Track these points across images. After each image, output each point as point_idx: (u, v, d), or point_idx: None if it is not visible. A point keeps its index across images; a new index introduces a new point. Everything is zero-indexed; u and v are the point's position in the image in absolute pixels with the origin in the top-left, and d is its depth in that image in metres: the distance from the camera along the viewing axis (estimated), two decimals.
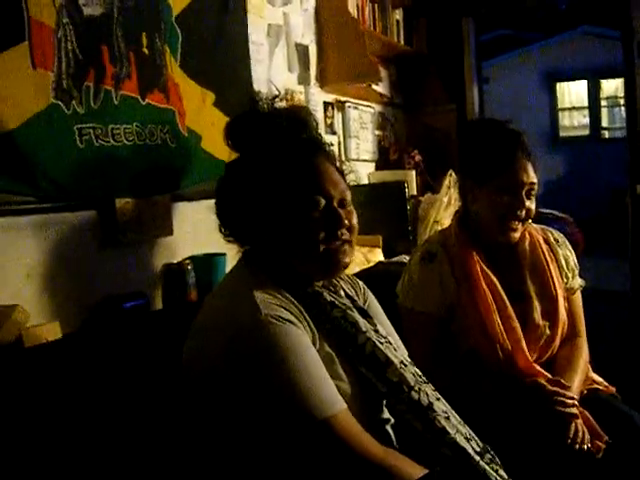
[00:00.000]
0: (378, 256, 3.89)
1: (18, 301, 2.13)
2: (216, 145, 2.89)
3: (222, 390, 1.53)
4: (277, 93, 1.80)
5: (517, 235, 2.31)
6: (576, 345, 2.39)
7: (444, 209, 4.17)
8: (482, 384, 2.21)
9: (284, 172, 1.65)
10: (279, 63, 3.77)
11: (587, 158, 13.64)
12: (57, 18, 2.31)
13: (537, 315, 2.30)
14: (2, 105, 2.11)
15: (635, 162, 5.15)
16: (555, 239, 2.50)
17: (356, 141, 4.68)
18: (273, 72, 3.66)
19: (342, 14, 4.21)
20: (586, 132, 14.79)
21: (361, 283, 1.98)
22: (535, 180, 2.30)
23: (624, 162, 5.39)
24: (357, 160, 4.67)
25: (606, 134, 14.84)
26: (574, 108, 15.13)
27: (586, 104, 14.85)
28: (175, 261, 2.84)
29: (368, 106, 4.93)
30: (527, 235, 2.39)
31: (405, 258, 3.55)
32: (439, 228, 3.76)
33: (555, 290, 2.35)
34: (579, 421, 2.07)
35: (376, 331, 1.71)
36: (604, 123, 14.86)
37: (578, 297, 2.48)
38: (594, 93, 14.63)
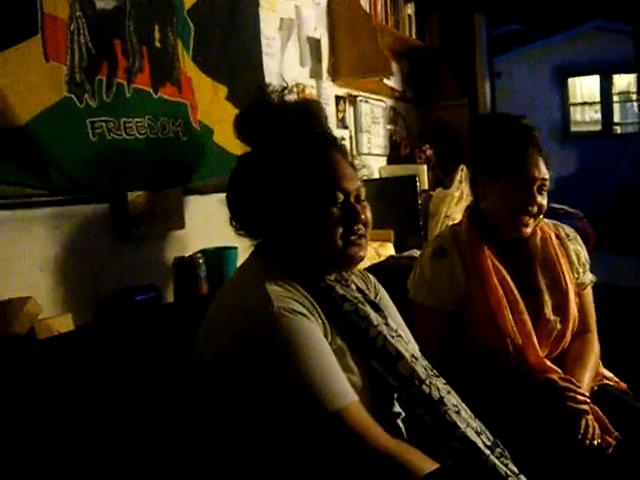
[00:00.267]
0: (389, 250, 3.89)
1: (31, 293, 2.14)
2: (228, 139, 2.89)
3: (234, 383, 1.53)
4: (286, 85, 1.79)
5: (529, 230, 2.31)
6: (587, 340, 2.39)
7: (455, 204, 4.17)
8: (493, 379, 2.21)
9: (300, 167, 1.65)
10: (291, 57, 3.77)
11: (598, 153, 13.59)
12: (70, 11, 2.32)
13: (548, 310, 2.30)
14: (15, 98, 2.11)
15: None
16: (566, 234, 2.49)
17: (367, 135, 4.68)
18: (285, 66, 3.67)
19: (354, 8, 4.21)
20: (598, 127, 14.73)
21: (372, 277, 1.98)
22: (547, 176, 2.30)
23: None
24: (368, 154, 4.66)
25: (618, 129, 14.78)
26: (586, 103, 15.07)
27: (598, 99, 14.79)
28: (187, 254, 2.84)
29: (380, 100, 4.93)
30: (538, 230, 2.39)
31: (416, 253, 3.55)
32: (450, 223, 3.75)
33: (566, 285, 2.34)
34: (590, 417, 2.06)
35: (387, 325, 1.71)
36: (616, 118, 14.80)
37: (589, 292, 2.48)
38: (606, 88, 14.57)
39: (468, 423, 1.62)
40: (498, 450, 1.63)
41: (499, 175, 2.29)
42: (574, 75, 14.77)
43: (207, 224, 2.92)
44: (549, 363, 2.24)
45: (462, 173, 4.17)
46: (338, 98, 4.31)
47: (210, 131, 2.99)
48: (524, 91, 13.12)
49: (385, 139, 4.99)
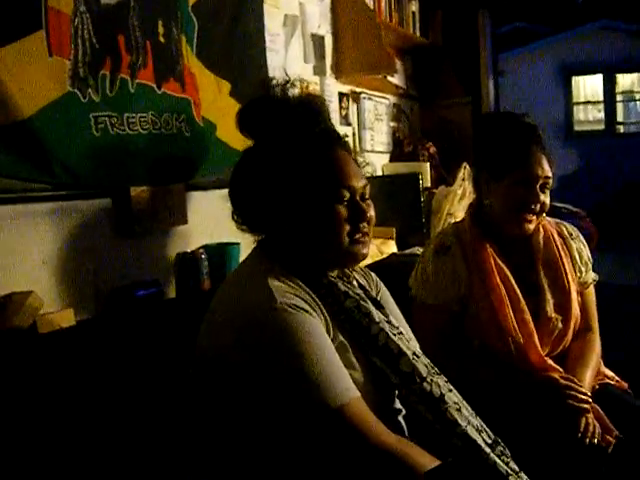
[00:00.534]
0: (391, 248, 3.89)
1: (33, 287, 2.15)
2: (231, 134, 2.89)
3: (236, 378, 1.54)
4: (288, 78, 1.79)
5: (532, 227, 2.31)
6: (588, 339, 2.39)
7: (458, 202, 4.17)
8: (494, 377, 2.21)
9: (306, 163, 1.65)
10: (295, 53, 3.77)
11: (601, 153, 13.58)
12: (74, 6, 2.32)
13: (550, 309, 2.30)
14: (19, 92, 2.11)
15: None
16: (569, 233, 2.49)
17: (371, 132, 4.68)
18: (289, 62, 3.67)
19: (358, 5, 4.21)
20: (601, 126, 14.71)
21: (374, 275, 1.98)
22: (550, 174, 2.30)
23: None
24: (371, 151, 4.67)
25: (621, 129, 14.77)
26: (589, 102, 15.06)
27: (601, 98, 14.77)
28: (189, 250, 2.84)
29: (383, 97, 4.93)
30: (541, 229, 2.39)
31: (418, 250, 3.55)
32: (453, 221, 3.76)
33: (568, 284, 2.34)
34: (590, 415, 2.07)
35: (389, 322, 1.71)
36: (619, 118, 14.78)
37: (591, 291, 2.48)
38: (609, 87, 14.55)
39: (469, 421, 1.63)
40: (499, 448, 1.64)
41: (502, 173, 2.29)
42: (578, 74, 14.75)
43: (210, 220, 2.92)
44: (550, 362, 2.24)
45: (465, 171, 4.17)
46: (341, 95, 4.31)
47: (213, 127, 2.99)
48: (528, 90, 13.12)
49: (388, 136, 5.00)
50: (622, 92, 14.72)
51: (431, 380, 1.64)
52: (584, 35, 13.84)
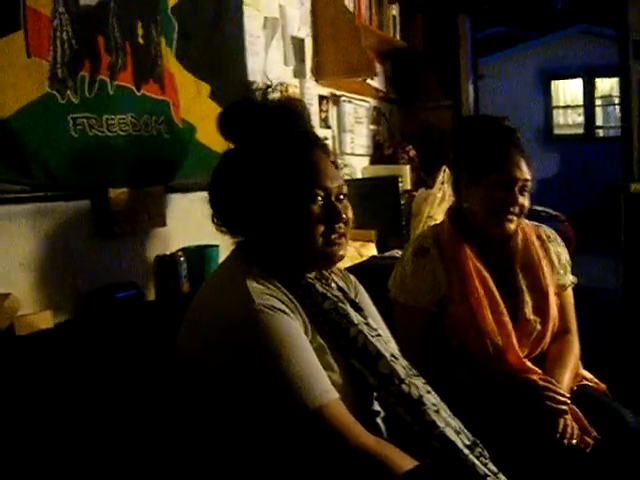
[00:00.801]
0: (371, 250, 3.89)
1: (10, 289, 2.13)
2: (211, 137, 2.88)
3: (215, 379, 1.54)
4: (270, 83, 1.80)
5: (513, 226, 2.31)
6: (567, 341, 2.40)
7: (438, 204, 4.18)
8: (472, 378, 2.22)
9: (282, 165, 1.66)
10: (275, 56, 3.76)
11: (581, 157, 13.64)
12: (53, 7, 2.30)
13: (528, 310, 2.31)
14: None
15: (629, 161, 5.17)
16: (547, 235, 2.50)
17: (351, 135, 4.68)
18: (269, 65, 3.66)
19: (338, 8, 4.21)
20: (580, 130, 14.78)
21: (352, 277, 1.99)
22: (529, 176, 2.31)
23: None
24: (351, 154, 4.67)
25: (600, 133, 14.84)
26: (569, 106, 15.13)
27: (581, 102, 14.84)
28: (168, 252, 2.83)
29: (363, 100, 4.93)
30: (519, 231, 2.40)
31: (398, 253, 3.55)
32: (432, 223, 3.76)
33: (546, 286, 2.36)
34: (568, 417, 2.08)
35: (367, 324, 1.72)
36: (598, 122, 14.86)
37: (569, 294, 2.49)
38: (589, 92, 14.63)
39: (447, 422, 1.63)
40: (477, 449, 1.64)
41: (481, 176, 2.30)
42: (557, 78, 14.82)
43: (189, 222, 2.91)
44: (529, 363, 2.26)
45: (444, 174, 4.18)
46: (321, 98, 4.31)
47: (193, 129, 2.98)
48: (508, 94, 13.14)
49: (368, 139, 5.00)
50: (601, 96, 14.79)
51: (409, 382, 1.64)
52: (564, 40, 13.91)
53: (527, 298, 2.32)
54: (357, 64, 4.20)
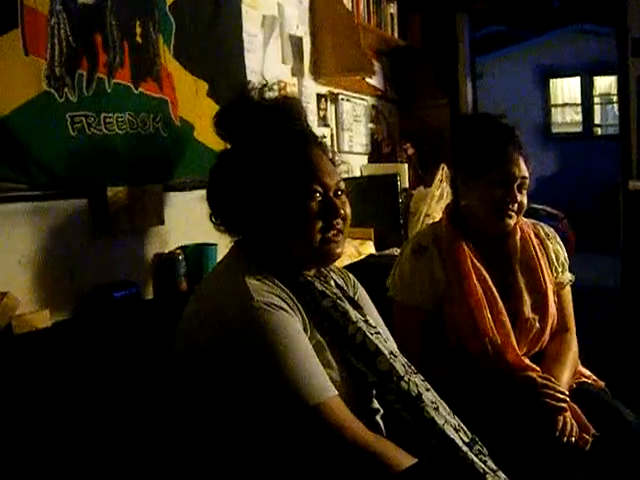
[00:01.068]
0: (369, 249, 3.89)
1: (9, 288, 2.13)
2: (209, 135, 2.87)
3: (214, 377, 1.54)
4: (265, 82, 1.80)
5: (512, 222, 2.31)
6: (565, 339, 2.40)
7: (436, 203, 4.18)
8: (471, 376, 2.21)
9: (280, 162, 1.66)
10: (273, 54, 3.76)
11: (579, 155, 13.64)
12: (50, 5, 2.30)
13: (527, 309, 2.31)
14: None
15: (627, 159, 5.17)
16: (546, 234, 2.50)
17: (349, 134, 4.68)
18: (267, 63, 3.66)
19: (337, 6, 4.21)
20: (579, 129, 14.77)
21: (351, 275, 1.99)
22: (527, 174, 2.31)
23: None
24: (350, 152, 4.67)
25: (599, 131, 14.83)
26: (567, 104, 15.12)
27: (579, 101, 14.83)
28: (166, 251, 2.84)
29: (361, 99, 4.93)
30: (518, 229, 2.40)
31: (396, 251, 3.55)
32: (430, 222, 3.76)
33: (545, 284, 2.35)
34: (567, 414, 2.08)
35: (366, 322, 1.72)
36: (597, 120, 14.85)
37: (568, 292, 2.49)
38: (587, 90, 14.62)
39: (446, 420, 1.63)
40: (476, 447, 1.65)
41: (479, 173, 2.30)
42: (556, 76, 14.81)
43: (187, 220, 2.91)
44: (528, 361, 2.25)
45: (443, 172, 4.18)
46: (320, 96, 4.30)
47: (191, 127, 2.98)
48: (506, 92, 13.13)
49: (366, 137, 5.00)
50: (600, 94, 14.77)
51: (408, 379, 1.64)
52: (561, 38, 13.89)
53: (526, 296, 2.32)
54: (355, 62, 4.20)
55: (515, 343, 2.25)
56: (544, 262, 2.40)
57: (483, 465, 1.59)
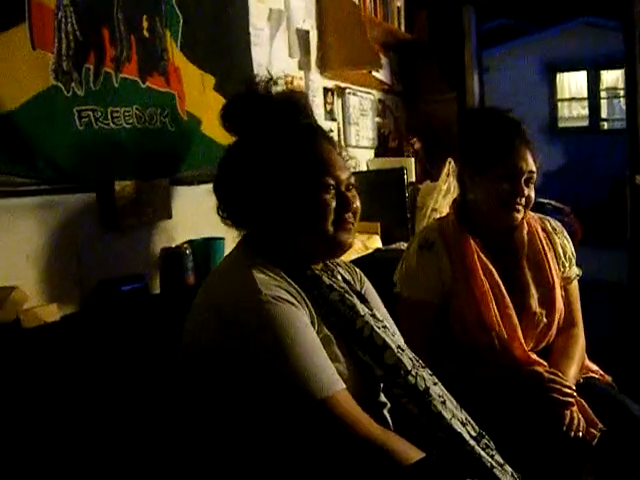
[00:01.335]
0: (376, 243, 3.89)
1: (17, 282, 2.13)
2: (216, 129, 2.86)
3: (221, 370, 1.54)
4: (271, 76, 1.80)
5: (519, 216, 2.31)
6: (572, 334, 2.40)
7: (443, 197, 4.17)
8: (478, 371, 2.22)
9: (292, 155, 1.67)
10: (279, 48, 3.75)
11: (586, 149, 13.62)
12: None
13: (534, 303, 2.31)
14: (1, 86, 2.09)
15: (634, 153, 5.16)
16: (553, 228, 2.50)
17: (356, 128, 4.67)
18: (273, 57, 3.65)
19: (343, 0, 4.20)
20: (585, 123, 14.76)
21: (358, 270, 1.99)
22: (534, 168, 2.30)
23: (622, 153, 5.40)
24: (356, 147, 4.66)
25: (605, 125, 14.81)
26: (573, 99, 15.10)
27: (586, 95, 14.81)
28: (174, 245, 2.84)
29: (368, 93, 4.93)
30: (525, 224, 2.39)
31: (403, 245, 3.56)
32: (437, 216, 3.76)
33: (552, 278, 2.35)
34: (574, 409, 2.08)
35: (373, 316, 1.72)
36: (603, 114, 14.83)
37: (575, 286, 2.49)
38: (594, 84, 14.60)
39: (454, 414, 1.63)
40: (484, 441, 1.65)
41: (486, 168, 2.29)
42: (562, 71, 14.79)
43: (194, 215, 2.91)
44: (534, 356, 2.26)
45: (449, 166, 4.17)
46: (326, 90, 4.30)
47: (198, 121, 2.98)
48: (512, 86, 13.11)
49: (373, 131, 4.99)
50: (606, 89, 14.76)
51: (416, 373, 1.64)
52: (568, 32, 13.86)
53: (533, 291, 2.32)
54: (362, 56, 4.19)
55: (522, 338, 2.25)
56: (551, 256, 2.40)
57: (490, 459, 1.60)
